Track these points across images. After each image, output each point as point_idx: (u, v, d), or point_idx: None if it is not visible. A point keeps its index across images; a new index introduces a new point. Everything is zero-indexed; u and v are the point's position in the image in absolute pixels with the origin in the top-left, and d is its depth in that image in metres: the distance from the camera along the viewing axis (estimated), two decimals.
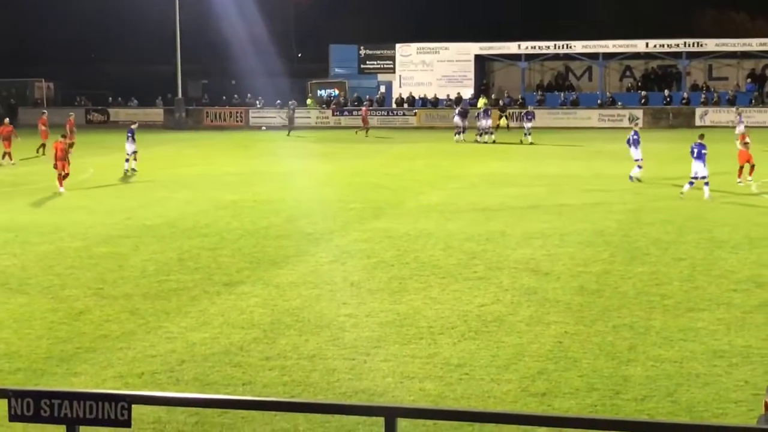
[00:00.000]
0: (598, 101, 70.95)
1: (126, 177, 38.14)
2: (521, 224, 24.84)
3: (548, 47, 74.03)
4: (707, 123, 65.81)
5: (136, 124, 43.06)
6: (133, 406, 6.00)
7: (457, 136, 56.24)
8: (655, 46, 72.56)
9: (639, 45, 72.97)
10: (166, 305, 16.73)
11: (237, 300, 17.06)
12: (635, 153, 35.11)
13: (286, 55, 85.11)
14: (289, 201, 30.20)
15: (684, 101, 69.82)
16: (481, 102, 70.51)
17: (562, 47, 73.86)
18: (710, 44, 72.37)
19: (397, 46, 76.31)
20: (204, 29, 77.67)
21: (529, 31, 79.11)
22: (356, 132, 62.21)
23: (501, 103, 70.15)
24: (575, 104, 71.20)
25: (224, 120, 73.52)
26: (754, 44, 72.79)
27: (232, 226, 25.19)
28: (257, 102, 75.60)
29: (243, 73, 76.21)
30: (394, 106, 73.81)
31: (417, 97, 73.96)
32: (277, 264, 20.23)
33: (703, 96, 70.11)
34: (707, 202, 28.24)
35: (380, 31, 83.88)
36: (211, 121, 73.70)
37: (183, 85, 74.35)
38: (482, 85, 76.10)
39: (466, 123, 56.92)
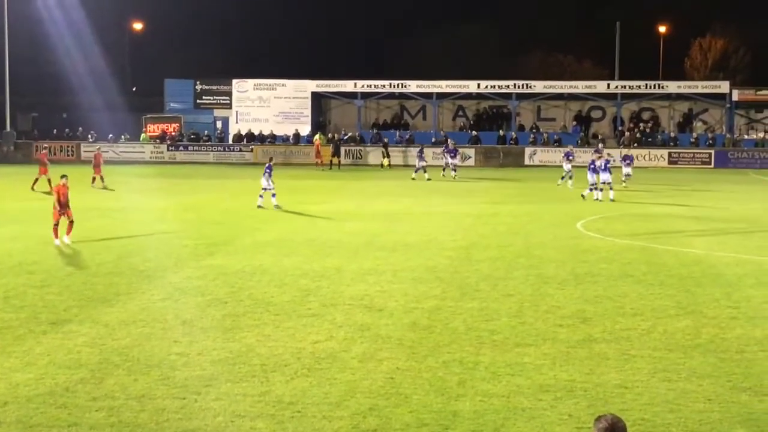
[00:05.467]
0: (432, 139, 72.33)
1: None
2: (356, 261, 25.02)
3: (384, 86, 75.25)
4: (536, 162, 67.90)
5: (273, 160, 42.80)
6: None
7: (443, 172, 57.55)
8: (486, 87, 74.58)
9: (471, 86, 74.89)
10: None
11: (64, 339, 16.59)
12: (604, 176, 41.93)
13: (122, 89, 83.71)
14: (122, 237, 29.62)
15: (512, 141, 71.86)
16: (317, 138, 70.88)
17: (398, 86, 75.20)
18: (539, 86, 74.99)
19: (234, 81, 76.18)
20: (35, 60, 75.66)
21: (365, 70, 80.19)
22: (323, 169, 64.16)
23: (336, 139, 70.74)
24: (411, 142, 72.37)
25: (55, 154, 71.66)
26: (579, 86, 75.77)
27: (61, 263, 24.52)
28: (89, 136, 74.03)
29: (76, 106, 74.53)
30: (230, 141, 73.56)
31: (255, 134, 73.89)
32: (107, 302, 19.79)
33: (531, 136, 72.36)
34: (535, 241, 29.14)
35: (216, 66, 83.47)
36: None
37: (12, 118, 72.18)
38: (319, 122, 76.63)
39: (457, 161, 57.91)
